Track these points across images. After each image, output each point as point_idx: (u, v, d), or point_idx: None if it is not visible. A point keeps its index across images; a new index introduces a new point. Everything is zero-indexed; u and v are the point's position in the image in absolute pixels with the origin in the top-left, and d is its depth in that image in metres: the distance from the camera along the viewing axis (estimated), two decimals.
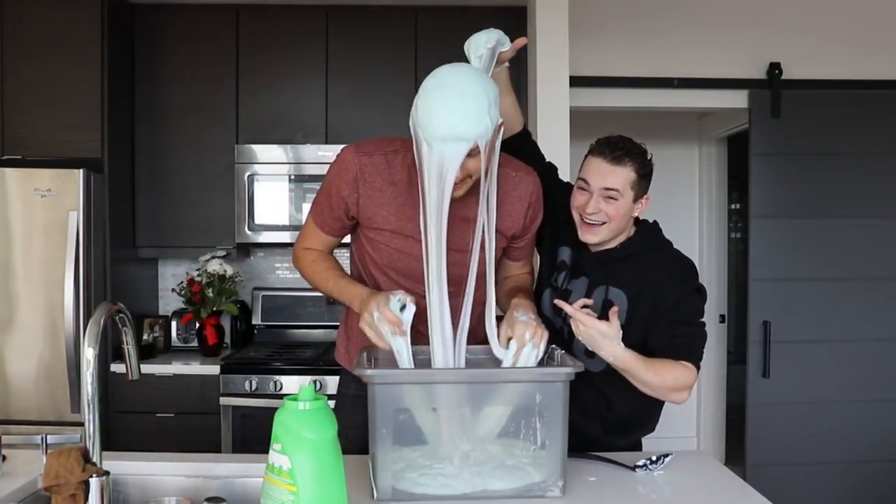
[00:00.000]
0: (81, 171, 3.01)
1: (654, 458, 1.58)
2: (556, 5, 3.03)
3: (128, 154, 3.45)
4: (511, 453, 1.40)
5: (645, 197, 1.73)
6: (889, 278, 3.49)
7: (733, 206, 5.26)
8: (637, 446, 1.86)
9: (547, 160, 1.95)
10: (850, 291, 3.47)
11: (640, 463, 1.57)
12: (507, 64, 1.72)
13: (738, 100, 3.45)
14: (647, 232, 1.79)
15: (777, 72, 3.39)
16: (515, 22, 3.41)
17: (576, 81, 3.14)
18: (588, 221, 1.70)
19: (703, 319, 1.74)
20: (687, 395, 1.68)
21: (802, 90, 3.41)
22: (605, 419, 1.77)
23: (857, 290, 3.47)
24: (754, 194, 3.46)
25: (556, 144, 2.87)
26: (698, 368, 1.68)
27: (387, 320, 1.46)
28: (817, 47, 3.43)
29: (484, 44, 1.61)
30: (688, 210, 4.70)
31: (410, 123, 1.46)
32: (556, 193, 1.82)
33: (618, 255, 1.74)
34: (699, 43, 3.42)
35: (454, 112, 1.38)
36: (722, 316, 4.62)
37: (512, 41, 1.72)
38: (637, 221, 1.81)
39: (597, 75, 3.34)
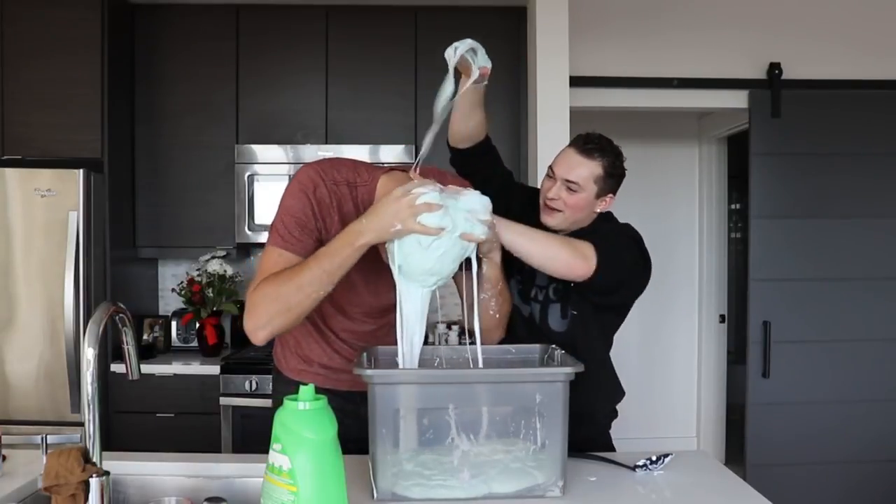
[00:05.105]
0: (81, 171, 3.02)
1: (654, 458, 1.58)
2: (556, 5, 3.03)
3: (128, 154, 3.45)
4: (513, 455, 1.40)
5: (609, 196, 1.80)
6: (889, 278, 3.48)
7: (733, 206, 5.25)
8: (613, 414, 1.92)
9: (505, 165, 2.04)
10: (850, 291, 3.46)
11: (640, 463, 1.57)
12: (485, 81, 1.68)
13: (738, 100, 3.44)
14: (599, 217, 1.86)
15: (777, 72, 3.39)
16: (515, 22, 3.41)
17: (576, 81, 3.14)
18: (549, 206, 1.79)
19: (624, 251, 1.73)
20: (586, 266, 1.63)
21: (802, 90, 3.41)
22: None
23: (857, 290, 3.47)
24: (754, 194, 3.46)
25: (556, 144, 2.85)
26: (598, 255, 1.65)
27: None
28: (817, 47, 3.43)
29: (469, 43, 1.52)
30: (688, 210, 4.69)
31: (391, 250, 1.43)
32: (515, 190, 1.97)
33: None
34: (699, 43, 3.42)
35: (441, 262, 1.41)
36: (722, 316, 4.62)
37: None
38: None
39: (597, 75, 3.34)
